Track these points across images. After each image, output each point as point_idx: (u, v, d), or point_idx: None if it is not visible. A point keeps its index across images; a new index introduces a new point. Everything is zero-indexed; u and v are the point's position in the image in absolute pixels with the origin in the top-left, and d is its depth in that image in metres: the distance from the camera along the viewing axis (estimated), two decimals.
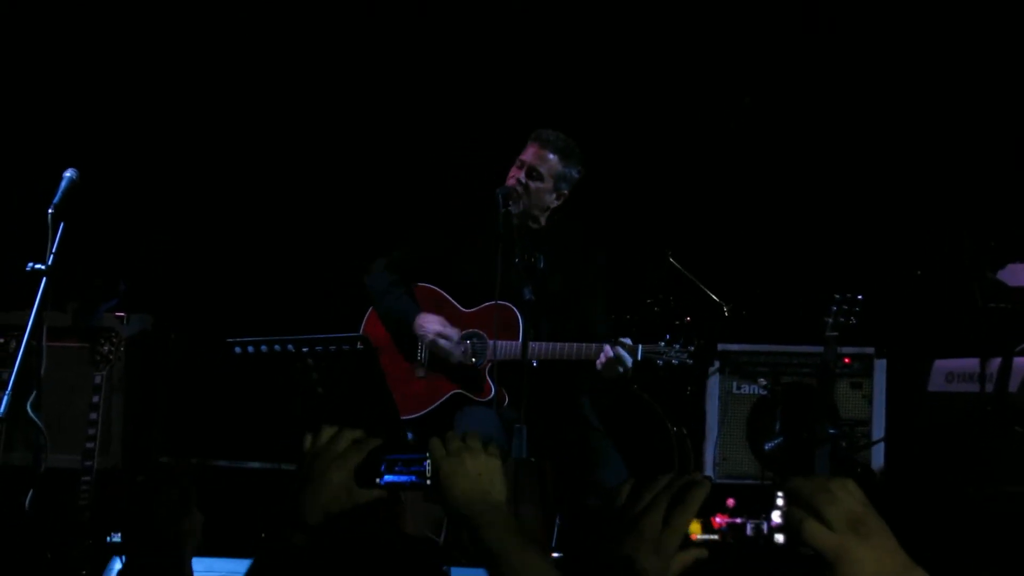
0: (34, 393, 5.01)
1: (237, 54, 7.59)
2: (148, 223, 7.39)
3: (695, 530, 1.61)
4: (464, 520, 2.07)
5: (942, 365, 6.29)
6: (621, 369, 4.99)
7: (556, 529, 5.43)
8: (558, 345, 5.15)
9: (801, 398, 6.61)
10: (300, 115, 7.68)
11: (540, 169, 5.31)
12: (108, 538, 4.38)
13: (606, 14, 7.64)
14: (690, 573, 1.71)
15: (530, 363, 5.06)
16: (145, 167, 7.46)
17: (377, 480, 2.13)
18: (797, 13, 7.57)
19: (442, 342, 5.27)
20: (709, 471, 6.68)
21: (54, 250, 4.65)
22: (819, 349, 5.90)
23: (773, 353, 6.89)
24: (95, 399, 4.76)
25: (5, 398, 4.57)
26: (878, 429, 6.70)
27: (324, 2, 7.68)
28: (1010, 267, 6.22)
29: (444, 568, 1.94)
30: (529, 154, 5.34)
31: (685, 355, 5.09)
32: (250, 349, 4.53)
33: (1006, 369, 5.93)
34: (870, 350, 6.78)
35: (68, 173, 4.77)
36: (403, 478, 2.12)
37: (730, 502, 1.46)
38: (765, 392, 6.77)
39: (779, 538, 1.45)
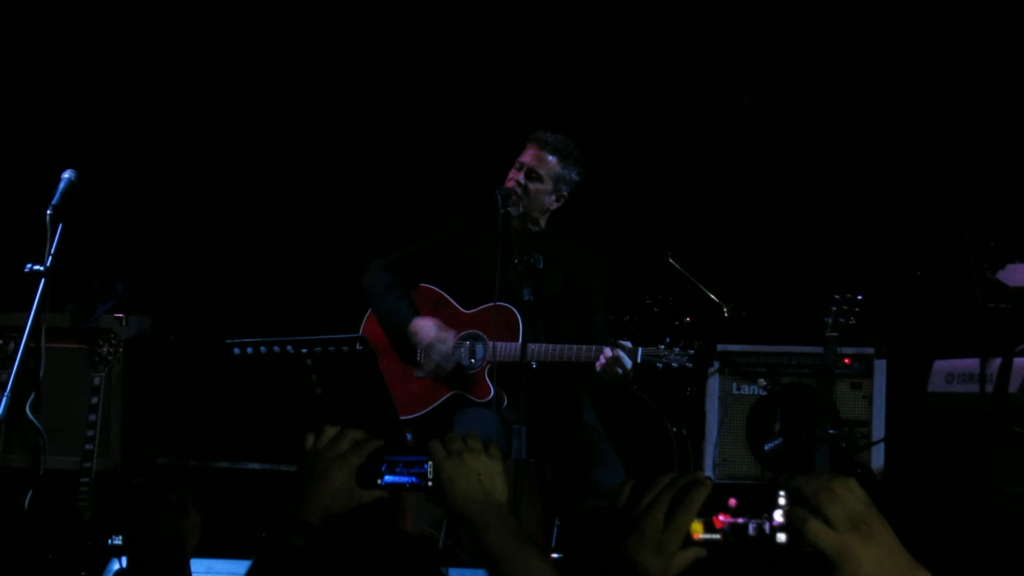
0: (33, 394, 5.01)
1: (236, 54, 7.58)
2: (147, 224, 7.38)
3: (697, 529, 1.60)
4: (465, 521, 2.06)
5: (942, 365, 6.28)
6: (620, 371, 4.98)
7: (555, 530, 5.42)
8: (558, 346, 5.14)
9: (801, 399, 6.60)
10: (300, 115, 7.68)
11: (539, 171, 5.31)
12: (109, 540, 4.37)
13: (605, 14, 7.63)
14: (692, 573, 1.71)
15: (529, 364, 5.06)
16: (144, 168, 7.46)
17: (378, 481, 2.13)
18: (797, 13, 7.57)
19: (439, 347, 5.25)
20: (709, 472, 6.67)
21: (53, 251, 4.64)
22: (819, 350, 5.89)
23: (773, 354, 6.88)
24: (94, 400, 4.76)
25: (4, 399, 4.56)
26: (878, 430, 6.69)
27: (324, 2, 7.67)
28: (1010, 267, 6.22)
29: (442, 570, 1.93)
30: (528, 156, 5.33)
31: (685, 358, 5.08)
32: (249, 350, 4.53)
33: (1006, 369, 5.92)
34: (870, 350, 6.77)
35: (66, 174, 4.77)
36: (404, 479, 2.12)
37: (732, 502, 1.46)
38: (765, 393, 6.76)
39: (781, 537, 1.45)
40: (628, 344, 5.01)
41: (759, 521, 1.63)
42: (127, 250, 7.14)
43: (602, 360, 5.00)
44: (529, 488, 5.42)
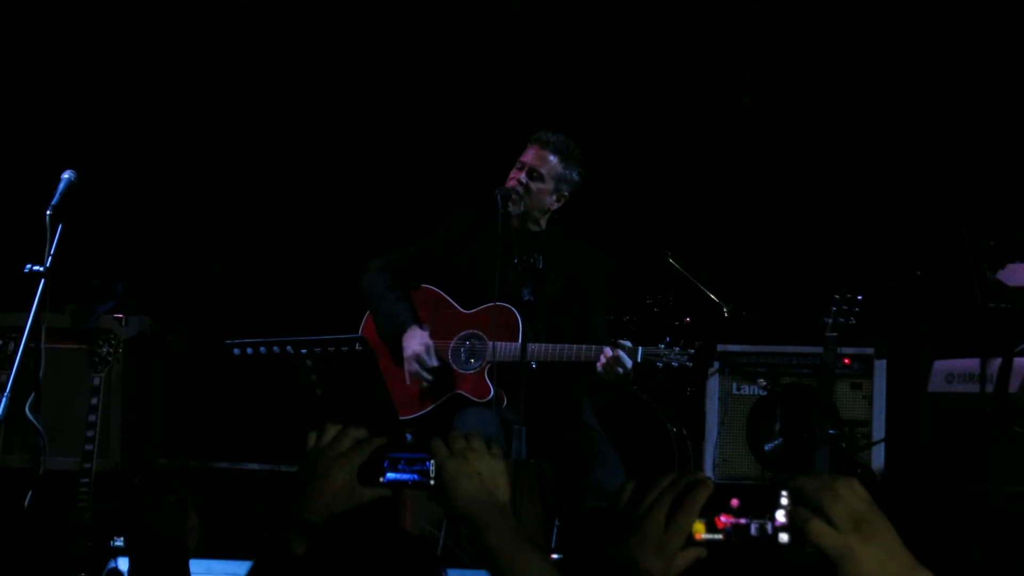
0: (33, 395, 5.01)
1: (235, 54, 7.58)
2: (147, 224, 7.38)
3: (699, 530, 1.59)
4: (467, 521, 2.06)
5: (942, 365, 6.28)
6: (621, 371, 4.98)
7: (555, 530, 5.42)
8: (557, 346, 5.14)
9: (801, 399, 6.60)
10: (299, 116, 7.68)
11: (541, 170, 5.31)
12: (111, 541, 4.37)
13: (605, 14, 7.63)
14: (693, 573, 1.71)
15: (529, 364, 5.06)
16: (143, 168, 7.46)
17: (380, 478, 2.12)
18: (797, 13, 7.57)
19: (413, 365, 5.23)
20: (709, 472, 6.67)
21: (52, 252, 4.64)
22: (819, 350, 5.89)
23: (773, 354, 6.88)
24: (94, 401, 4.75)
25: (4, 400, 4.56)
26: (878, 430, 6.69)
27: (324, 2, 7.67)
28: (1010, 267, 6.21)
29: (442, 570, 1.92)
30: (530, 155, 5.34)
31: (685, 357, 5.08)
32: (248, 350, 4.53)
33: (1006, 369, 5.92)
34: (870, 351, 6.77)
35: (66, 174, 4.77)
36: (406, 476, 2.11)
37: (734, 502, 1.45)
38: (765, 393, 6.76)
39: (783, 538, 1.45)
40: (628, 344, 5.01)
41: (761, 521, 1.63)
42: (127, 250, 7.14)
43: (602, 359, 5.00)
44: (529, 488, 5.42)
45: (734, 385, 6.88)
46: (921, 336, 6.81)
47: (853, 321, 5.69)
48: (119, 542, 4.39)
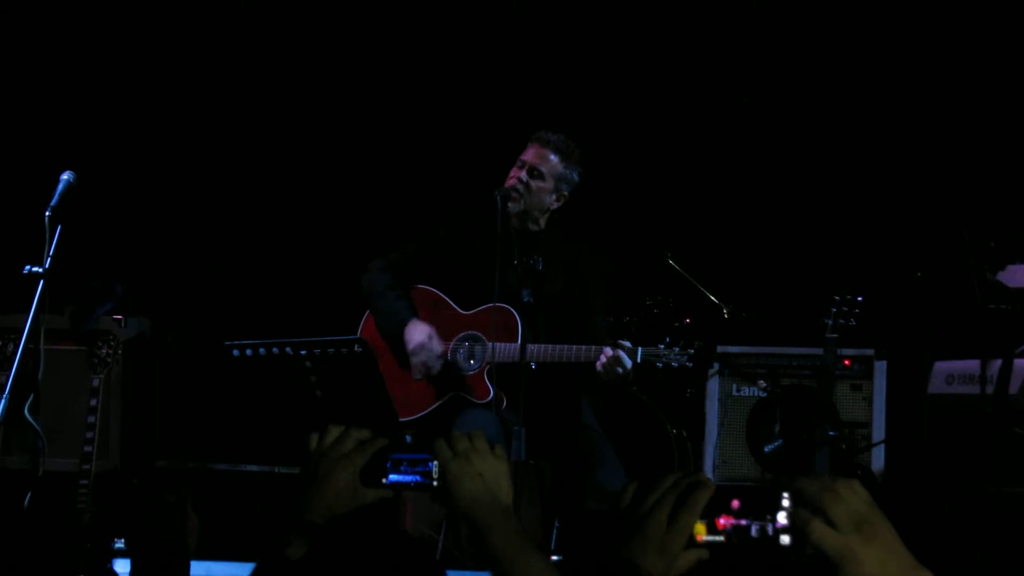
0: (32, 396, 5.01)
1: (235, 55, 7.58)
2: (146, 225, 7.37)
3: (700, 531, 1.59)
4: (470, 522, 2.05)
5: (942, 367, 6.27)
6: (621, 371, 4.98)
7: (555, 531, 5.42)
8: (557, 347, 5.14)
9: (801, 400, 6.60)
10: (298, 116, 7.67)
11: (541, 168, 5.31)
12: (113, 543, 4.37)
13: (605, 14, 7.63)
14: (696, 574, 1.70)
15: (528, 365, 5.05)
16: (142, 169, 7.45)
17: (383, 480, 2.12)
18: (797, 13, 7.57)
19: (421, 356, 5.22)
20: (709, 474, 6.66)
21: (51, 253, 4.64)
22: (819, 351, 5.88)
23: (773, 355, 6.88)
24: (93, 402, 4.75)
25: (3, 401, 4.56)
26: (878, 431, 6.69)
27: (324, 2, 7.67)
28: (1010, 268, 6.21)
29: (443, 572, 1.91)
30: (530, 154, 5.34)
31: (685, 357, 5.08)
32: (248, 351, 4.53)
33: (1006, 371, 5.92)
34: (870, 352, 6.77)
35: (65, 176, 4.76)
36: (409, 478, 2.11)
37: (735, 503, 1.44)
38: (765, 394, 6.76)
39: (785, 539, 1.44)
40: (628, 344, 5.01)
41: (762, 523, 1.63)
42: (126, 252, 7.14)
43: (602, 360, 5.00)
44: (528, 489, 5.42)
45: (734, 386, 6.87)
46: (921, 337, 6.81)
47: (853, 322, 5.68)
48: (120, 544, 4.39)
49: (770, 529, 1.62)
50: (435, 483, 2.08)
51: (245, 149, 7.63)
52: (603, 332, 5.37)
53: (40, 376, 4.97)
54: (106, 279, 5.80)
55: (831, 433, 5.77)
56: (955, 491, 5.93)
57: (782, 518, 1.61)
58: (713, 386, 6.87)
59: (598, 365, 5.02)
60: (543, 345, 5.14)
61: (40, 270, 4.63)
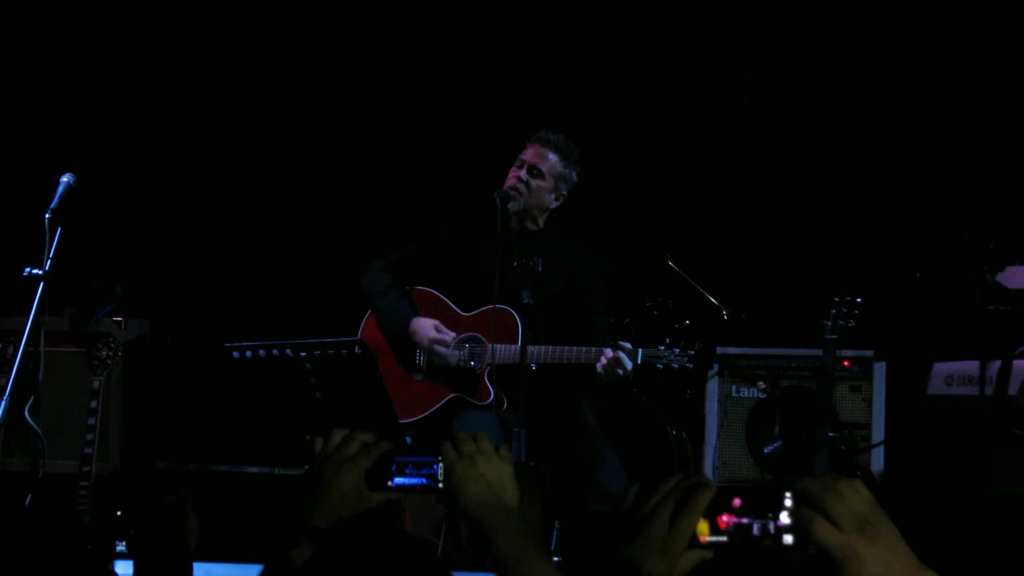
0: (32, 398, 5.01)
1: (234, 56, 7.58)
2: (145, 227, 7.37)
3: (703, 531, 1.59)
4: (475, 524, 2.05)
5: (942, 368, 6.27)
6: (621, 372, 4.98)
7: (555, 532, 5.42)
8: (557, 349, 5.14)
9: (800, 401, 6.60)
10: (298, 117, 7.67)
11: (541, 168, 5.32)
12: (115, 546, 4.37)
13: (605, 14, 7.63)
14: (695, 573, 1.70)
15: (529, 367, 5.05)
16: (142, 171, 7.45)
17: (388, 483, 2.11)
18: (796, 13, 7.57)
19: (438, 348, 5.25)
20: (708, 475, 6.66)
21: (51, 255, 4.64)
22: (818, 352, 5.88)
23: (772, 356, 6.87)
24: (93, 404, 4.75)
25: (3, 403, 4.56)
26: (878, 432, 6.69)
27: (323, 2, 7.67)
28: (1009, 269, 6.21)
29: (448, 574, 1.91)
30: (530, 153, 5.34)
31: (685, 358, 5.08)
32: (248, 353, 4.53)
33: (1006, 372, 5.92)
34: (869, 353, 6.77)
35: (65, 178, 4.77)
36: (414, 480, 2.10)
37: (736, 502, 1.44)
38: (764, 395, 6.75)
39: (788, 539, 1.44)
40: (628, 345, 5.01)
41: (764, 521, 1.63)
42: (126, 254, 7.14)
43: (603, 361, 5.00)
44: (529, 491, 5.41)
45: (733, 388, 6.87)
46: (920, 338, 6.80)
47: (852, 323, 5.68)
48: (121, 547, 4.39)
49: (772, 527, 1.62)
50: (440, 485, 2.08)
51: (245, 150, 7.63)
52: (603, 333, 5.37)
53: (40, 378, 4.97)
54: (106, 281, 5.80)
55: (830, 434, 5.77)
56: (955, 492, 5.93)
57: (784, 517, 1.61)
58: (713, 387, 6.86)
59: (598, 367, 5.02)
60: (543, 346, 5.14)
61: (40, 272, 4.64)
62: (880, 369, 6.77)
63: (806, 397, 6.56)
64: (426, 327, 5.28)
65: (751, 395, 6.83)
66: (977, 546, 5.70)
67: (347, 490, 2.09)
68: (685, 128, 7.72)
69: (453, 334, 5.28)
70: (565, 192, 5.37)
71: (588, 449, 5.21)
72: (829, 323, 5.67)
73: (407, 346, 5.33)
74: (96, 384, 4.79)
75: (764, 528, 1.63)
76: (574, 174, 5.37)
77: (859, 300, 5.67)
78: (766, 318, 7.20)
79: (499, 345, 5.19)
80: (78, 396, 5.16)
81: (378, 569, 1.80)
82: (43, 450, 5.13)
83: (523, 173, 5.31)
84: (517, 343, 5.10)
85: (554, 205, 5.38)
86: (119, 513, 4.46)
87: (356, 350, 4.55)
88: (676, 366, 5.08)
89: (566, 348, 5.13)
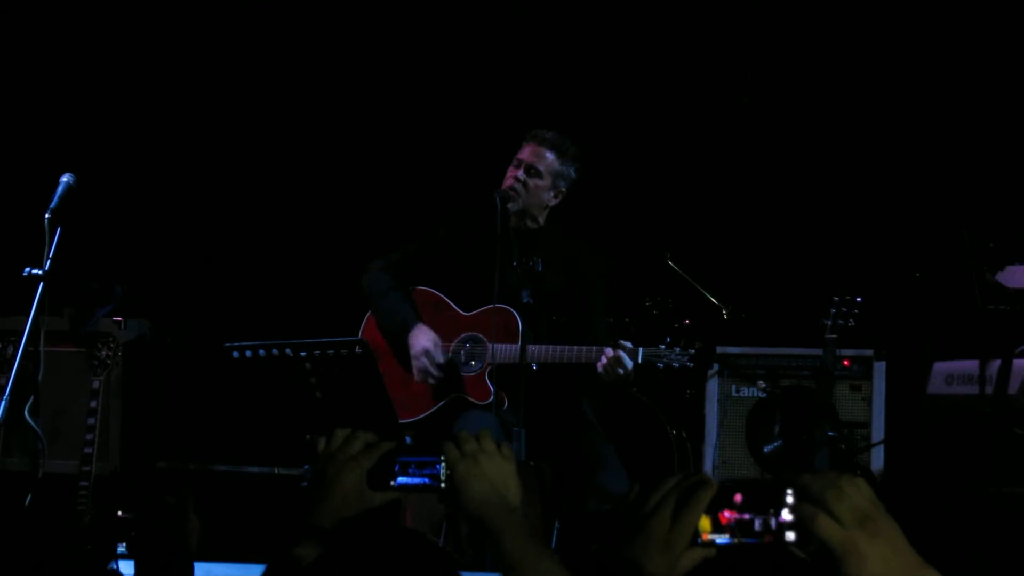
0: (32, 398, 5.01)
1: (234, 56, 7.58)
2: (145, 227, 7.37)
3: (705, 528, 1.59)
4: (478, 524, 2.05)
5: (941, 367, 6.27)
6: (622, 371, 4.98)
7: (555, 532, 5.41)
8: (558, 348, 5.13)
9: (800, 401, 6.60)
10: (297, 117, 7.67)
11: (538, 166, 5.31)
12: (116, 547, 4.37)
13: (605, 14, 7.63)
14: (698, 573, 1.70)
15: (529, 366, 5.05)
16: (142, 171, 7.45)
17: (391, 482, 2.11)
18: (796, 13, 7.57)
19: (423, 360, 5.22)
20: (709, 474, 6.65)
21: (51, 255, 4.64)
22: (818, 351, 5.88)
23: (772, 356, 6.87)
24: (93, 404, 4.75)
25: (3, 403, 4.56)
26: (878, 432, 6.69)
27: (323, 3, 7.66)
28: (1009, 269, 6.21)
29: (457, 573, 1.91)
30: (527, 152, 5.34)
31: (686, 358, 5.08)
32: (248, 353, 4.52)
33: (1006, 371, 5.92)
34: (869, 352, 6.76)
35: (65, 178, 4.77)
36: (417, 480, 2.10)
37: (737, 497, 1.45)
38: (764, 395, 6.75)
39: (790, 536, 1.44)
40: (629, 344, 5.01)
41: (765, 517, 1.62)
42: (126, 254, 7.14)
43: (603, 360, 5.00)
44: (529, 490, 5.41)
45: (733, 387, 6.87)
46: (920, 338, 6.80)
47: (852, 323, 5.68)
48: (122, 548, 4.39)
49: (774, 523, 1.62)
50: (443, 485, 2.07)
51: (245, 150, 7.63)
52: (603, 332, 5.37)
53: (40, 378, 4.97)
54: (106, 281, 5.80)
55: (830, 433, 5.77)
56: (955, 491, 5.93)
57: (786, 513, 1.60)
58: (712, 387, 6.86)
59: (599, 366, 5.01)
60: (543, 346, 5.14)
61: (40, 272, 4.64)
62: (880, 368, 6.77)
63: (806, 396, 6.57)
64: (422, 338, 5.24)
65: (751, 394, 6.83)
66: (977, 546, 5.70)
67: (349, 490, 2.09)
68: (685, 128, 7.72)
69: (443, 359, 5.25)
70: (564, 189, 5.36)
71: (588, 449, 5.21)
72: (829, 322, 5.67)
73: (407, 347, 5.32)
74: (96, 384, 4.78)
75: (766, 524, 1.63)
76: (572, 171, 5.36)
77: (859, 299, 5.67)
78: (766, 318, 7.20)
79: (499, 345, 5.19)
80: (78, 396, 5.16)
81: (386, 569, 1.80)
82: (43, 450, 5.13)
83: (520, 173, 5.30)
84: (517, 343, 5.09)
85: (554, 203, 5.38)
86: (119, 513, 4.46)
87: (356, 350, 4.54)
88: (677, 365, 5.08)
89: (566, 347, 5.13)
